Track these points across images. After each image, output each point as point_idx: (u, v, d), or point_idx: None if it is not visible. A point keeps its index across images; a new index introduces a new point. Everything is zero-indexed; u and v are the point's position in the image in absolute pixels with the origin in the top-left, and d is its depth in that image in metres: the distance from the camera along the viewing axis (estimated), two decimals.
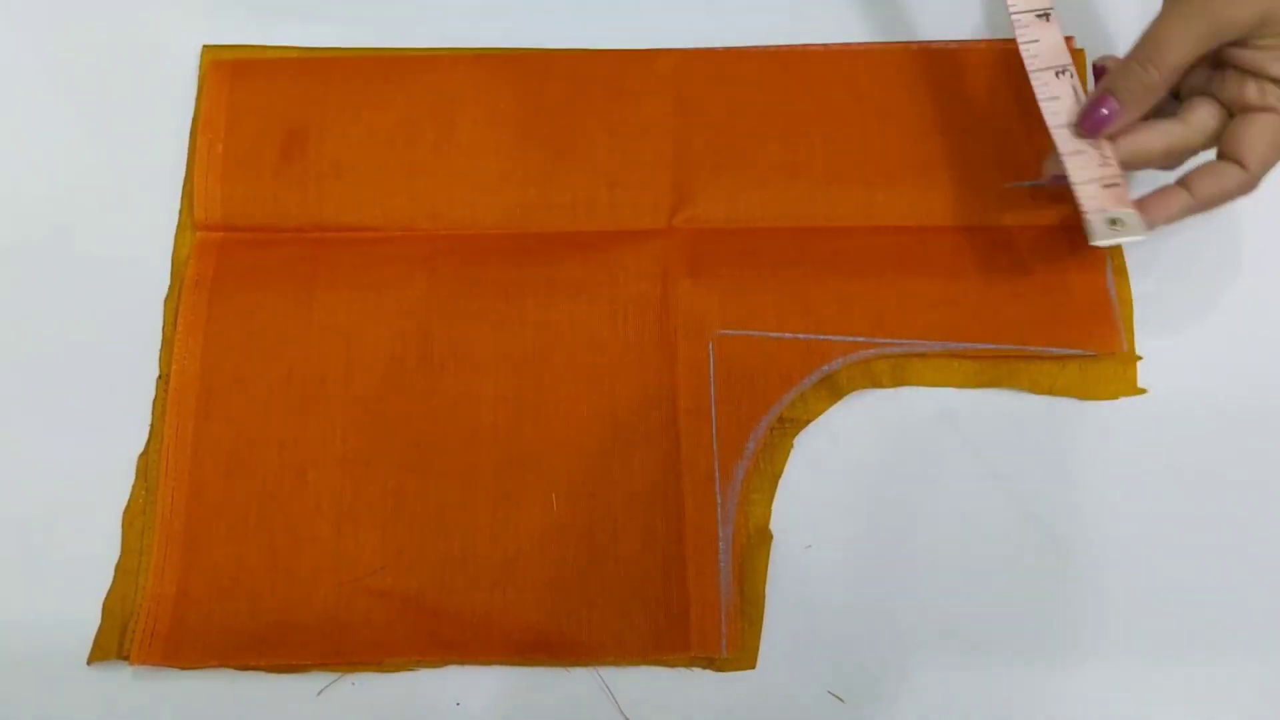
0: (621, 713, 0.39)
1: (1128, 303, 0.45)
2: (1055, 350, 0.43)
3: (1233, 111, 0.40)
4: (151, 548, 0.41)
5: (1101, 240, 0.39)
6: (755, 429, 0.42)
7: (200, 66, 0.48)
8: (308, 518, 0.41)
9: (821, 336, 0.43)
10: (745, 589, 0.41)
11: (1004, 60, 0.48)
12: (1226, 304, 0.45)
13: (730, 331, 0.44)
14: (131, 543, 0.41)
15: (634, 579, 0.40)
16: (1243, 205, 0.47)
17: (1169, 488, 0.43)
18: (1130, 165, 0.41)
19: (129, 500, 0.42)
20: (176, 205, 0.46)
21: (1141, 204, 0.40)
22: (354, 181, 0.46)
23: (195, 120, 0.47)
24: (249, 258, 0.45)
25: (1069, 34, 0.44)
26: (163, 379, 0.43)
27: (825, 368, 0.43)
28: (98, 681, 0.40)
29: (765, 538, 0.42)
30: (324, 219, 0.46)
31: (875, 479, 0.43)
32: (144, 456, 0.42)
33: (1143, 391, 0.44)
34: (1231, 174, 0.39)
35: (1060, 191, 0.43)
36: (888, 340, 0.44)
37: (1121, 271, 0.45)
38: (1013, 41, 0.43)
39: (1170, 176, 0.41)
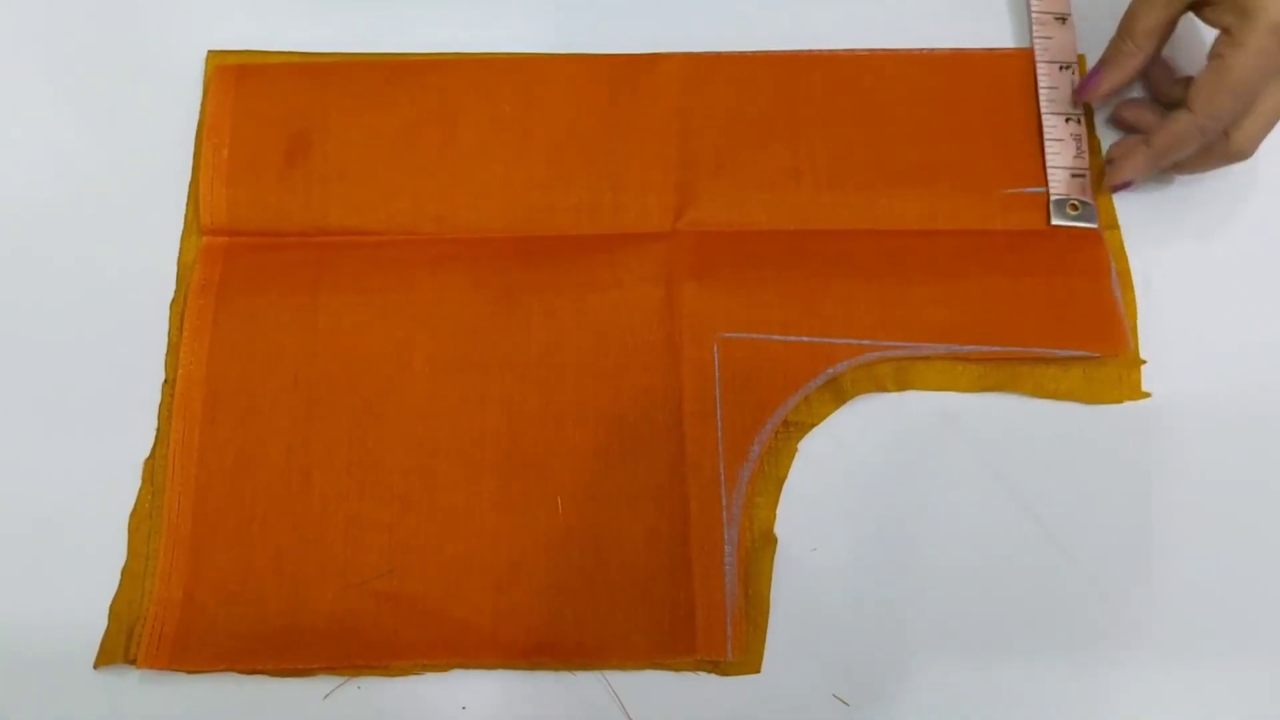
0: (628, 717, 0.39)
1: (1132, 306, 0.45)
2: (1060, 352, 0.44)
3: None
4: (158, 552, 0.41)
5: (1058, 220, 0.46)
6: (760, 432, 0.42)
7: (205, 71, 0.48)
8: (314, 521, 0.41)
9: (826, 339, 0.44)
10: (750, 592, 0.41)
11: (1007, 66, 0.49)
12: (1231, 308, 0.45)
13: (735, 334, 0.44)
14: (138, 547, 0.41)
15: (639, 582, 0.41)
16: (1245, 208, 0.47)
17: (1173, 492, 0.43)
18: (1164, 154, 0.44)
19: (135, 505, 0.42)
20: (181, 210, 0.46)
21: (1109, 162, 0.46)
22: (358, 185, 0.46)
23: (200, 125, 0.47)
24: (254, 262, 0.45)
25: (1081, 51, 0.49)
26: (168, 384, 0.43)
27: (829, 370, 0.43)
28: (104, 685, 0.40)
29: (770, 541, 0.42)
30: (329, 223, 0.46)
31: (880, 483, 0.43)
32: (150, 461, 0.42)
33: (1147, 395, 0.44)
34: (1179, 117, 0.43)
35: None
36: (892, 343, 0.44)
37: (1125, 276, 0.45)
38: (1015, 50, 0.48)
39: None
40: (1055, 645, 0.41)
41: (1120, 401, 0.44)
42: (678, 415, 0.42)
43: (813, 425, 0.43)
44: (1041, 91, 0.47)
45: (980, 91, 0.48)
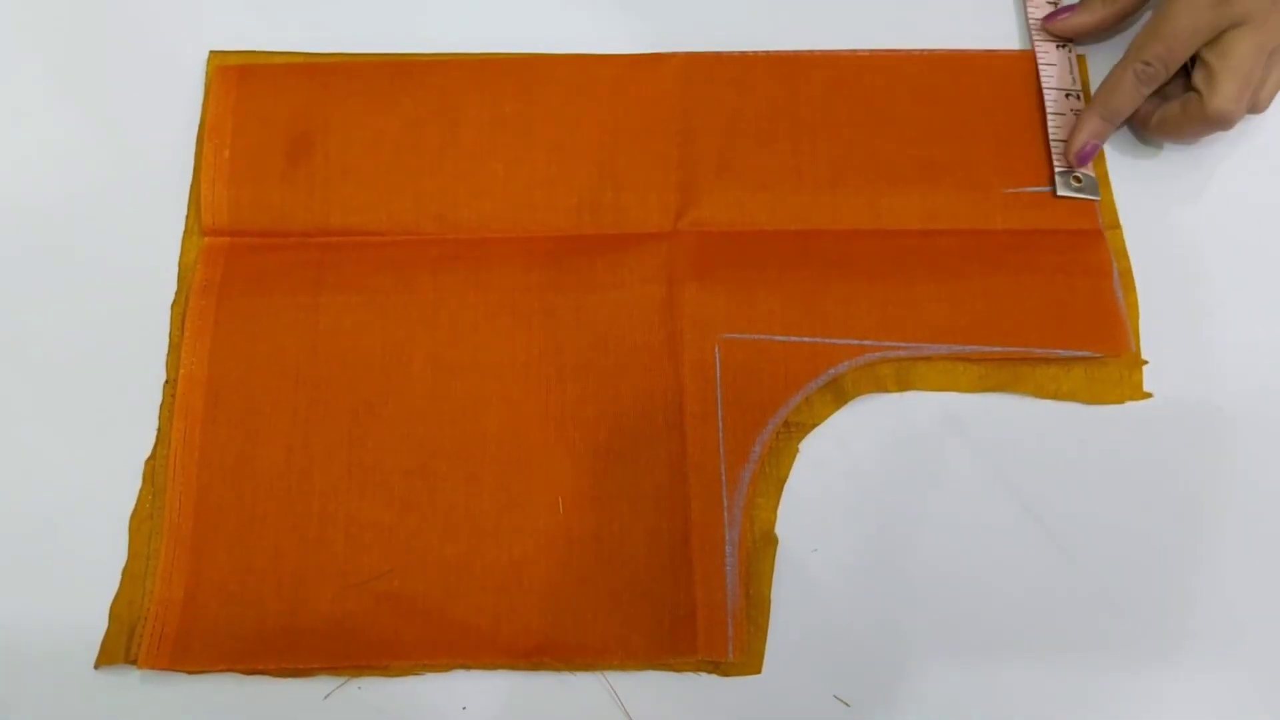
0: (628, 717, 0.39)
1: (1134, 307, 0.45)
2: (1062, 352, 0.43)
3: None
4: (158, 552, 0.41)
5: (1062, 191, 0.46)
6: (761, 433, 0.42)
7: (206, 72, 0.49)
8: (314, 522, 0.41)
9: (827, 340, 0.44)
10: (751, 593, 0.41)
11: (1008, 67, 0.49)
12: (1232, 308, 0.45)
13: (736, 335, 0.44)
14: (138, 547, 0.41)
15: (640, 582, 0.40)
16: (1248, 209, 0.47)
17: (1174, 492, 0.43)
18: (1108, 105, 0.46)
19: (136, 505, 0.42)
20: (183, 210, 0.46)
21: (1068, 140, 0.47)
22: (360, 185, 0.46)
23: (202, 125, 0.48)
24: (256, 262, 0.45)
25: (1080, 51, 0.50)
26: (170, 384, 0.43)
27: (831, 371, 0.43)
28: (105, 686, 0.40)
29: (771, 542, 0.42)
30: (330, 223, 0.46)
31: (881, 483, 0.43)
32: (151, 461, 0.42)
33: (1148, 396, 0.44)
34: (1114, 68, 0.46)
35: (1065, 197, 0.47)
36: (893, 343, 0.44)
37: (1127, 276, 0.45)
38: (1016, 51, 0.49)
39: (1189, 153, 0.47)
40: (1055, 645, 0.41)
41: (1122, 402, 0.44)
42: (679, 416, 0.42)
43: (814, 426, 0.43)
44: (1041, 69, 0.49)
45: (981, 91, 0.48)
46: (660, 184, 0.46)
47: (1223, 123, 0.44)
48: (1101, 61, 0.48)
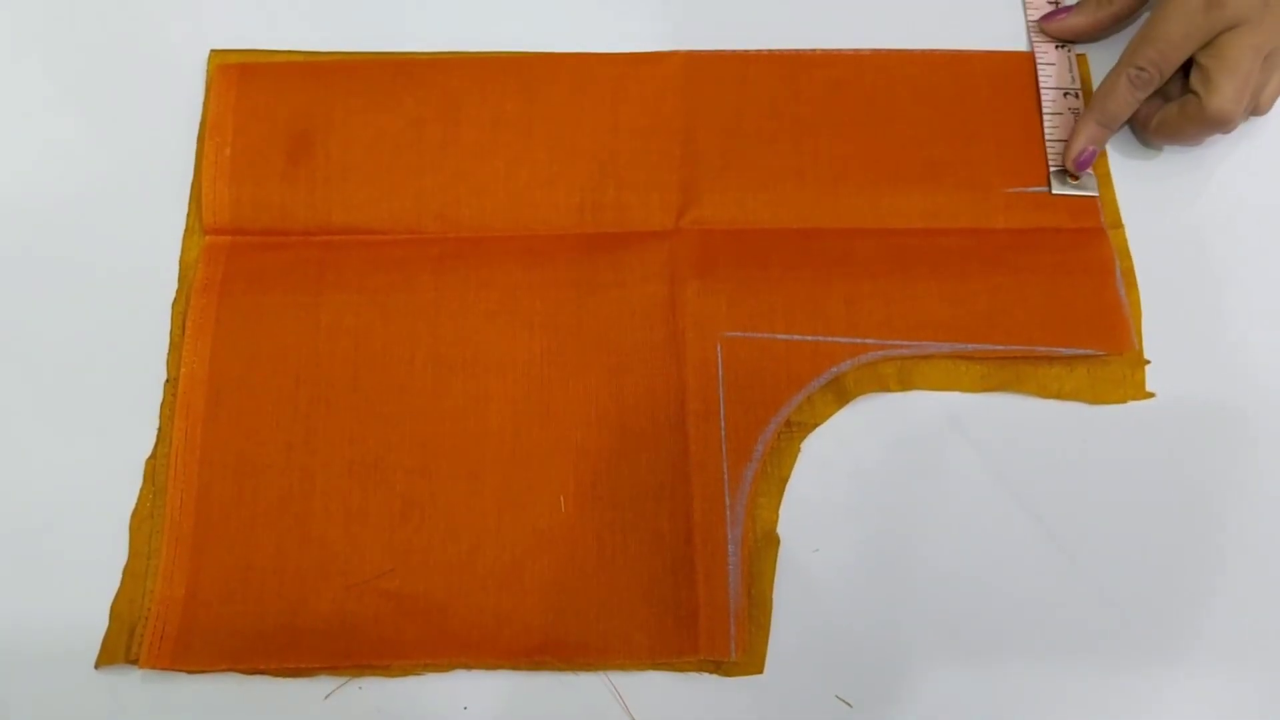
0: (631, 717, 0.39)
1: (1136, 306, 0.45)
2: (1064, 350, 0.43)
3: None
4: (159, 551, 0.41)
5: (1058, 189, 0.47)
6: (763, 432, 0.42)
7: (207, 70, 0.48)
8: (316, 520, 0.41)
9: (829, 338, 0.43)
10: (753, 593, 0.41)
11: (1009, 67, 0.49)
12: (1234, 308, 0.45)
13: (738, 333, 0.43)
14: (139, 546, 0.41)
15: (642, 582, 0.40)
16: (1251, 208, 0.47)
17: (1177, 492, 0.43)
18: (1104, 109, 0.46)
19: (136, 504, 0.42)
20: (184, 209, 0.46)
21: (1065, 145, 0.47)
22: (361, 184, 0.46)
23: (203, 124, 0.47)
24: (257, 261, 0.45)
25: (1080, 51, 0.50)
26: (171, 383, 0.43)
27: (833, 370, 0.43)
28: (105, 685, 0.40)
29: (772, 541, 0.42)
30: (331, 222, 0.46)
31: (882, 483, 0.43)
32: (152, 460, 0.42)
33: (1151, 395, 0.44)
34: (1110, 73, 0.46)
35: (1065, 195, 0.47)
36: (895, 342, 0.44)
37: (1130, 275, 0.45)
38: (1017, 51, 0.49)
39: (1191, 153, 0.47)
40: (1058, 646, 0.41)
41: (1124, 401, 0.44)
42: (681, 414, 0.42)
43: (815, 425, 0.43)
44: (1040, 69, 0.49)
45: (983, 91, 0.48)
46: (662, 182, 0.46)
47: (1222, 124, 0.44)
48: (1104, 61, 0.48)
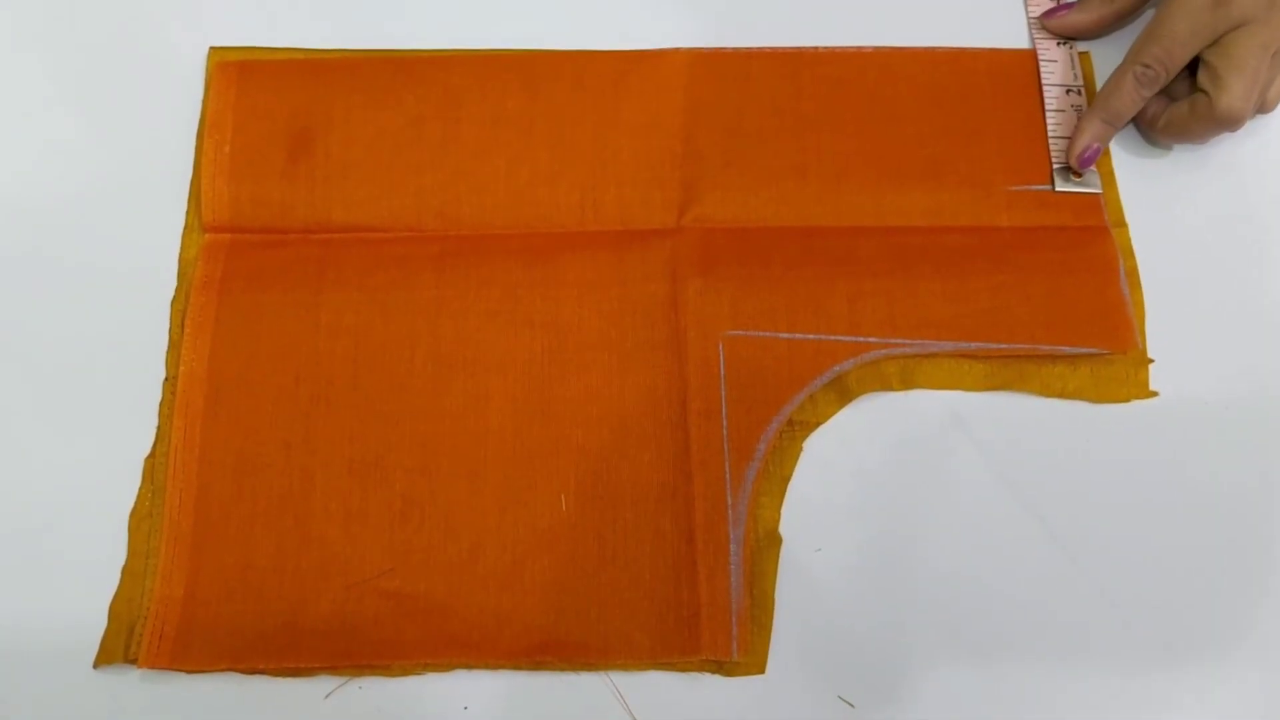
0: (632, 717, 0.39)
1: (1140, 305, 0.45)
2: (1068, 349, 0.43)
3: None
4: (158, 550, 0.41)
5: (1061, 186, 0.46)
6: (765, 431, 0.42)
7: (207, 68, 0.48)
8: (316, 520, 0.41)
9: (831, 337, 0.43)
10: (755, 593, 0.41)
11: (1011, 65, 0.49)
12: (1238, 307, 0.45)
13: (740, 332, 0.43)
14: (138, 545, 0.41)
15: (644, 581, 0.40)
16: (1255, 207, 0.47)
17: (1180, 491, 0.43)
18: (1108, 107, 0.46)
19: (135, 503, 0.42)
20: (183, 207, 0.46)
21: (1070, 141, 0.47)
22: (361, 182, 0.46)
23: (202, 121, 0.47)
24: (256, 259, 0.45)
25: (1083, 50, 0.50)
26: (170, 381, 0.43)
27: (835, 369, 0.43)
28: (104, 685, 0.39)
29: (774, 541, 0.41)
30: (331, 219, 0.46)
31: (885, 483, 0.43)
32: (150, 459, 0.42)
33: (1154, 394, 0.44)
34: (1115, 71, 0.46)
35: (1068, 193, 0.47)
36: (897, 340, 0.43)
37: (1134, 274, 0.45)
38: (1019, 49, 0.49)
39: (1194, 151, 0.48)
40: (1061, 646, 0.40)
41: (1127, 401, 0.44)
42: (682, 413, 0.42)
43: (818, 424, 0.43)
44: (1041, 65, 0.49)
45: (985, 89, 0.48)
46: (663, 180, 0.46)
47: (1232, 122, 0.44)
48: (1108, 59, 0.48)
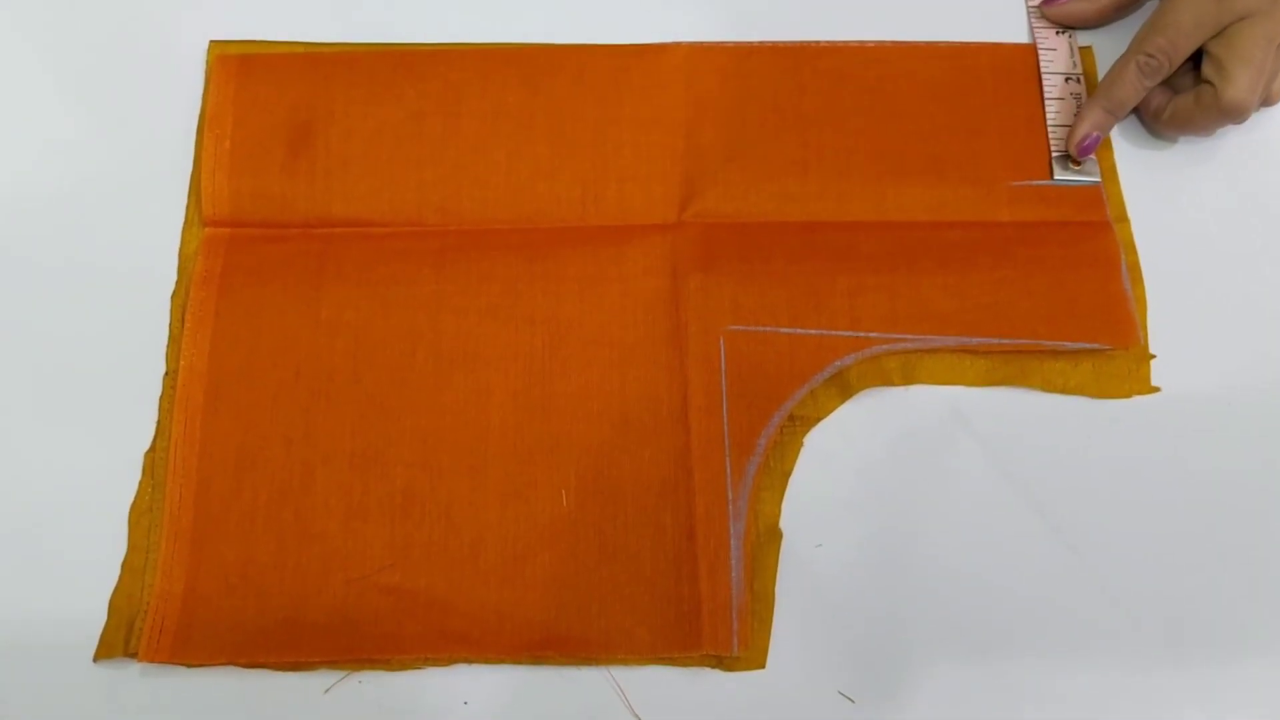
0: (633, 712, 0.39)
1: (1142, 300, 0.45)
2: (1069, 344, 0.43)
3: None
4: (158, 545, 0.41)
5: (1060, 175, 0.46)
6: (766, 426, 0.42)
7: (207, 61, 0.48)
8: (316, 514, 0.41)
9: (832, 332, 0.43)
10: (755, 588, 0.41)
11: (1013, 59, 0.49)
12: (1240, 302, 0.45)
13: (740, 327, 0.43)
14: (138, 540, 0.41)
15: (644, 576, 0.40)
16: (1257, 203, 0.47)
17: (1182, 487, 0.42)
18: (1111, 96, 0.46)
19: (135, 497, 0.42)
20: (183, 201, 0.46)
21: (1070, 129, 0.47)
22: (361, 176, 0.46)
23: (202, 115, 0.47)
24: (257, 253, 0.45)
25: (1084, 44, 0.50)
26: (170, 375, 0.43)
27: (836, 363, 0.43)
28: (104, 679, 0.39)
29: (775, 536, 0.41)
30: (332, 214, 0.45)
31: (885, 478, 0.43)
32: (151, 453, 0.42)
33: (1156, 390, 0.44)
34: (1118, 60, 0.46)
35: (1070, 188, 0.46)
36: (899, 336, 0.43)
37: (1136, 270, 0.45)
38: (1020, 43, 0.49)
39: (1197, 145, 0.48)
40: (1062, 641, 0.40)
41: (1129, 396, 0.44)
42: (683, 408, 0.42)
43: (818, 419, 0.43)
44: (1041, 53, 0.49)
45: (987, 84, 0.48)
46: (664, 175, 0.46)
47: (1237, 114, 0.44)
48: (1109, 51, 0.48)
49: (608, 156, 0.46)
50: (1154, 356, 0.44)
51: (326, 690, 0.39)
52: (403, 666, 0.40)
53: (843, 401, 0.43)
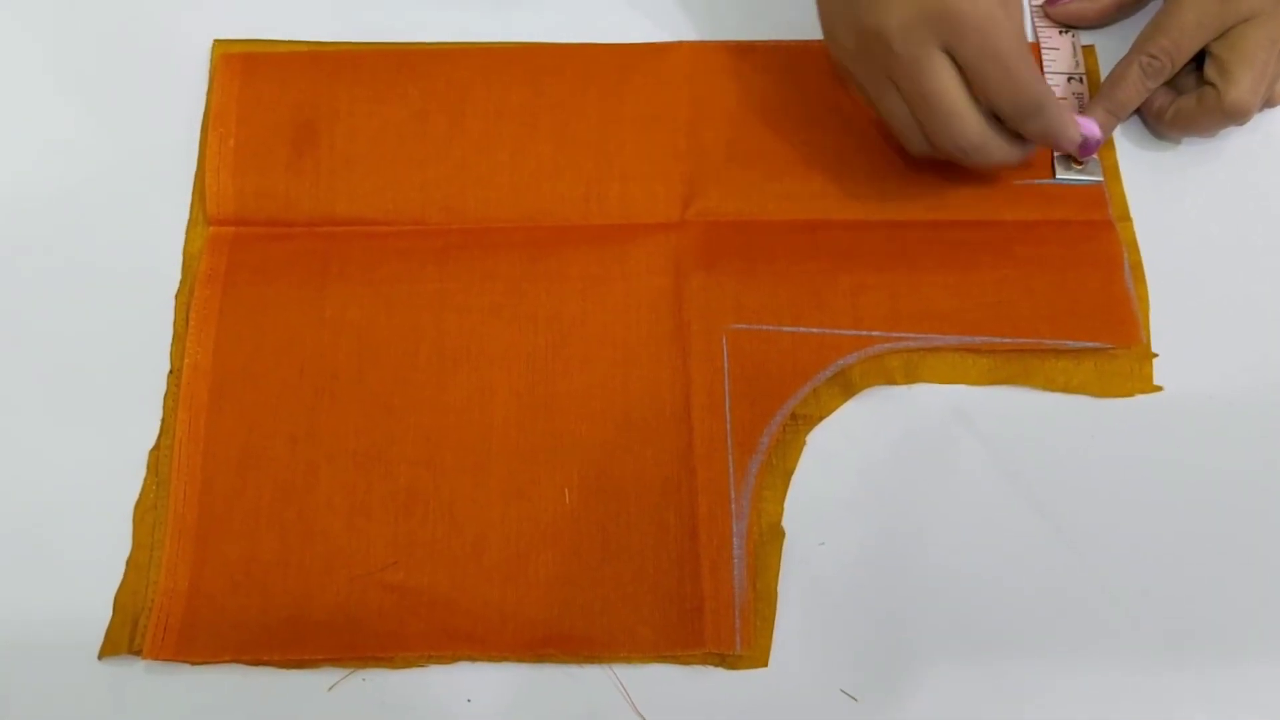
0: (636, 710, 0.39)
1: (1144, 300, 0.45)
2: (1071, 343, 0.43)
3: None
4: (163, 543, 0.41)
5: (1062, 173, 0.46)
6: (769, 424, 0.42)
7: (211, 60, 0.48)
8: (320, 512, 0.41)
9: (835, 331, 0.43)
10: (758, 586, 0.41)
11: None
12: (1243, 301, 0.45)
13: (743, 326, 0.43)
14: (143, 538, 0.41)
15: (647, 575, 0.40)
16: (1260, 202, 0.47)
17: (1184, 486, 0.42)
18: (1113, 97, 0.46)
19: (140, 495, 0.42)
20: (188, 200, 0.46)
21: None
22: (365, 175, 0.46)
23: (206, 114, 0.47)
24: (261, 252, 0.45)
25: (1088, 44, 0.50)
26: (174, 374, 0.43)
27: (839, 362, 0.43)
28: (109, 676, 0.40)
29: (778, 535, 0.41)
30: (336, 213, 0.46)
31: (888, 476, 0.43)
32: (155, 451, 0.42)
33: (1159, 389, 0.44)
34: (1121, 60, 0.46)
35: (1072, 187, 0.46)
36: (901, 335, 0.43)
37: (1138, 268, 0.45)
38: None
39: (1199, 146, 0.48)
40: (1064, 640, 0.40)
41: (1131, 395, 0.44)
42: (686, 407, 0.42)
43: (821, 418, 0.43)
44: (1044, 53, 0.49)
45: None
46: (667, 174, 0.46)
47: (1240, 115, 0.44)
48: (1112, 50, 0.48)
49: (610, 155, 0.46)
50: (1156, 356, 0.44)
51: (330, 688, 0.40)
52: (406, 664, 0.40)
53: (845, 400, 0.43)
